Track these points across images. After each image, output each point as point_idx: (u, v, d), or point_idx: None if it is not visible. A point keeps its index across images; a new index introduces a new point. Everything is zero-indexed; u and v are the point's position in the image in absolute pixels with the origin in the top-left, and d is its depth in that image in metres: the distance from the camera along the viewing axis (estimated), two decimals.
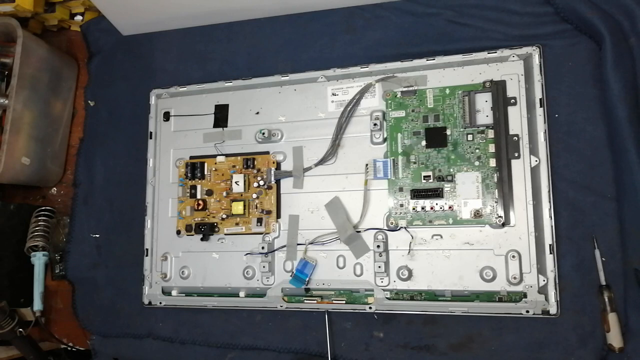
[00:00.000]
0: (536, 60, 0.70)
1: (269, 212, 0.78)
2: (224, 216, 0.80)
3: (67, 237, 0.92)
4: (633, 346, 0.64)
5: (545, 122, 0.69)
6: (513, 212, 0.69)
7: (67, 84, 0.96)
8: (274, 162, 0.80)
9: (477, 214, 0.70)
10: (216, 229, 0.80)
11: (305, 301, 0.76)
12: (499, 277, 0.68)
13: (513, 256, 0.68)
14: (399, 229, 0.73)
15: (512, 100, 0.70)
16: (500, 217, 0.68)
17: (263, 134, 0.80)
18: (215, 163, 0.82)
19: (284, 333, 0.78)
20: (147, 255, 0.84)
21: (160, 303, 0.82)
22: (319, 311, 0.76)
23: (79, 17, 0.98)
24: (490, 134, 0.70)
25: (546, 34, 0.73)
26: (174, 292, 0.82)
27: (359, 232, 0.74)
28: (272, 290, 0.77)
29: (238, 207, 0.78)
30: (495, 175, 0.70)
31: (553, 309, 0.66)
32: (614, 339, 0.64)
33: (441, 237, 0.71)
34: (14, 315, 0.86)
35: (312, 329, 0.77)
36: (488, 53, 0.72)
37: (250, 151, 0.81)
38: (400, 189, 0.73)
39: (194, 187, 0.82)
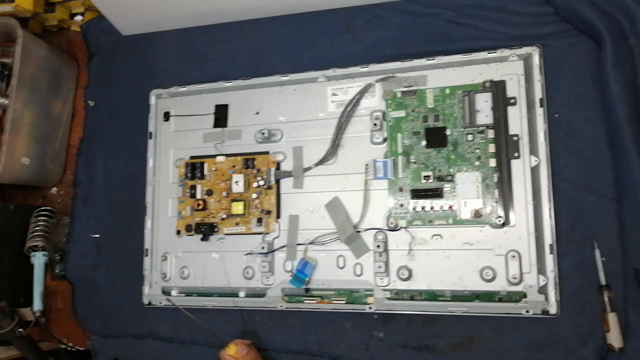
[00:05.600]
0: (536, 60, 0.70)
1: (269, 212, 0.78)
2: (224, 216, 0.80)
3: (67, 237, 0.92)
4: (633, 346, 0.64)
5: (545, 122, 0.69)
6: (513, 212, 0.69)
7: (67, 84, 0.96)
8: (273, 162, 0.80)
9: (477, 214, 0.70)
10: (216, 229, 0.80)
11: (305, 301, 0.76)
12: (499, 277, 0.68)
13: (513, 256, 0.68)
14: (399, 229, 0.73)
15: (512, 100, 0.70)
16: (500, 217, 0.68)
17: (263, 134, 0.80)
18: (215, 163, 0.82)
19: (284, 333, 0.78)
20: (147, 255, 0.84)
21: (160, 303, 0.82)
22: (319, 311, 0.76)
23: (78, 17, 0.98)
24: (490, 134, 0.70)
25: (546, 34, 0.73)
26: (174, 292, 0.82)
27: (359, 232, 0.74)
28: (272, 290, 0.77)
29: (238, 207, 0.78)
30: (495, 175, 0.70)
31: (553, 309, 0.66)
32: (614, 339, 0.64)
33: (441, 237, 0.71)
34: (13, 315, 0.86)
35: (312, 329, 0.77)
36: (488, 53, 0.72)
37: (250, 151, 0.81)
38: (400, 189, 0.73)
39: (194, 187, 0.82)
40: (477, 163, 0.71)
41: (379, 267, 0.72)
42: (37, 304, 0.89)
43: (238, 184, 0.79)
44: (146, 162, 0.86)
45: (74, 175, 0.94)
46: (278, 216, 0.78)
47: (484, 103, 0.71)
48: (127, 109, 0.92)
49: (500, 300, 0.68)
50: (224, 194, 0.80)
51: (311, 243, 0.76)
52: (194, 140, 0.85)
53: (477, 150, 0.71)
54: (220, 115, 0.84)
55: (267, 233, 0.78)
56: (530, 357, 0.68)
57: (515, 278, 0.67)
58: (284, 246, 0.77)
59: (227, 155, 0.82)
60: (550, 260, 0.67)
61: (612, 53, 0.66)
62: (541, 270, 0.67)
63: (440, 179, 0.72)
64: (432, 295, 0.71)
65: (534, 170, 0.69)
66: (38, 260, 0.90)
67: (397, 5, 0.80)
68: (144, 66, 0.92)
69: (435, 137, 0.73)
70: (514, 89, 0.71)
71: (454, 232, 0.71)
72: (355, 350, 0.75)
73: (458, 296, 0.70)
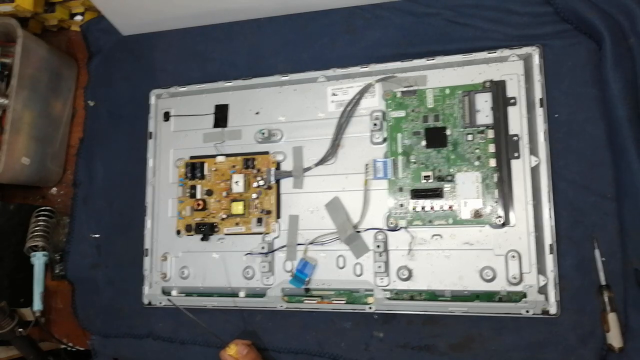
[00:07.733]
0: (536, 60, 0.70)
1: (269, 212, 0.78)
2: (224, 216, 0.80)
3: (67, 237, 0.92)
4: (633, 346, 0.64)
5: (545, 122, 0.69)
6: (513, 212, 0.69)
7: (67, 84, 0.96)
8: (273, 162, 0.80)
9: (477, 214, 0.70)
10: (216, 229, 0.80)
11: (305, 301, 0.76)
12: (499, 277, 0.68)
13: (513, 256, 0.68)
14: (399, 229, 0.73)
15: (512, 100, 0.70)
16: (500, 217, 0.68)
17: (263, 134, 0.80)
18: (215, 163, 0.82)
19: (284, 333, 0.78)
20: (147, 255, 0.84)
21: (160, 303, 0.82)
22: (319, 311, 0.76)
23: (78, 17, 0.98)
24: (490, 134, 0.70)
25: (546, 34, 0.73)
26: (174, 292, 0.82)
27: (359, 232, 0.74)
28: (272, 290, 0.77)
29: (238, 207, 0.78)
30: (495, 175, 0.70)
31: (553, 309, 0.66)
32: (614, 339, 0.64)
33: (441, 237, 0.71)
34: (14, 315, 0.86)
35: (312, 329, 0.77)
36: (488, 53, 0.72)
37: (250, 151, 0.81)
38: (400, 189, 0.73)
39: (193, 187, 0.82)
40: (477, 163, 0.71)
41: (379, 267, 0.72)
42: (37, 304, 0.89)
43: (238, 184, 0.79)
44: (146, 162, 0.86)
45: (74, 175, 0.95)
46: (278, 216, 0.78)
47: (484, 103, 0.71)
48: (127, 109, 0.92)
49: (500, 300, 0.68)
50: (224, 194, 0.80)
51: (311, 243, 0.76)
52: (194, 140, 0.84)
53: (477, 150, 0.71)
54: (220, 115, 0.84)
55: (267, 233, 0.78)
56: (530, 357, 0.68)
57: (515, 278, 0.67)
58: (284, 246, 0.77)
59: (227, 155, 0.82)
60: (550, 260, 0.67)
61: (612, 53, 0.66)
62: (541, 270, 0.67)
63: (440, 179, 0.72)
64: (432, 295, 0.71)
65: (534, 170, 0.69)
66: (38, 260, 0.90)
67: (397, 5, 0.80)
68: (144, 66, 0.92)
69: (435, 137, 0.73)
70: (514, 89, 0.71)
71: (454, 232, 0.71)
72: (355, 350, 0.75)
73: (458, 296, 0.70)
